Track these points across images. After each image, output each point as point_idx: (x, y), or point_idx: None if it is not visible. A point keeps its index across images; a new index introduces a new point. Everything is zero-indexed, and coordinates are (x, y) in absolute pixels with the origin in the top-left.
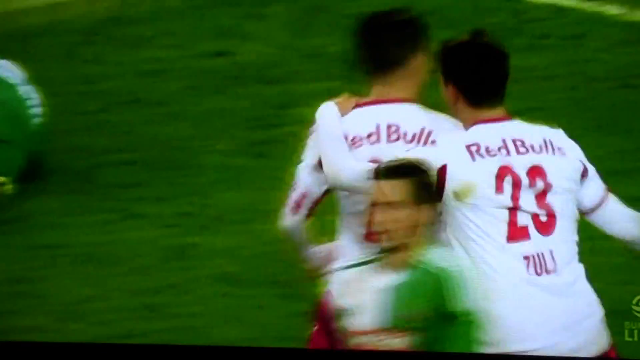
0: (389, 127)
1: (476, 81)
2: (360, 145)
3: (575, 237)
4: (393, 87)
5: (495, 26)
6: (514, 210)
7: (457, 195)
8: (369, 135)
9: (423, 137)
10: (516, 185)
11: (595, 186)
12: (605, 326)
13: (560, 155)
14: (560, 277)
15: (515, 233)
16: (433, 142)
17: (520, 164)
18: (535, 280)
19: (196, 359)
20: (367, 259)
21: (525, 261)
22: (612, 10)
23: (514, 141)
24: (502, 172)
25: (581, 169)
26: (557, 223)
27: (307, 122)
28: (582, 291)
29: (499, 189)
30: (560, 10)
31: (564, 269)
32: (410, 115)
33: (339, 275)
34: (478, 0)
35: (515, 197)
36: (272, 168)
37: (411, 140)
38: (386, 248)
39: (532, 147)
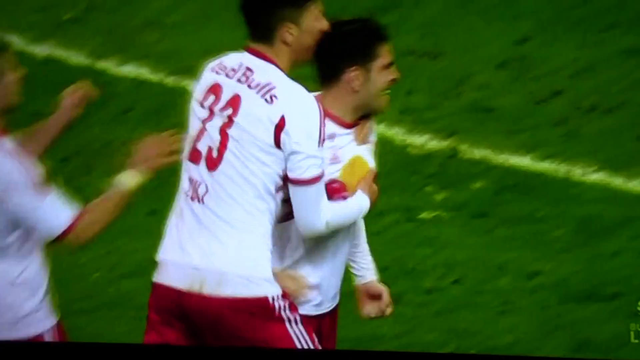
0: (247, 69)
1: (243, 14)
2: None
3: (250, 193)
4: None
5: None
6: (202, 129)
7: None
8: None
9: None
10: (213, 106)
11: (296, 163)
12: (253, 282)
13: (265, 102)
14: (206, 211)
15: (194, 153)
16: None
17: (230, 89)
18: (190, 204)
19: (197, 359)
20: None
21: (190, 183)
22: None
23: (245, 68)
24: (212, 89)
25: (274, 126)
26: (223, 160)
27: None
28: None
29: (203, 102)
30: (143, 83)
31: (214, 207)
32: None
33: None
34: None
35: (208, 117)
36: None
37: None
38: None
39: (250, 81)
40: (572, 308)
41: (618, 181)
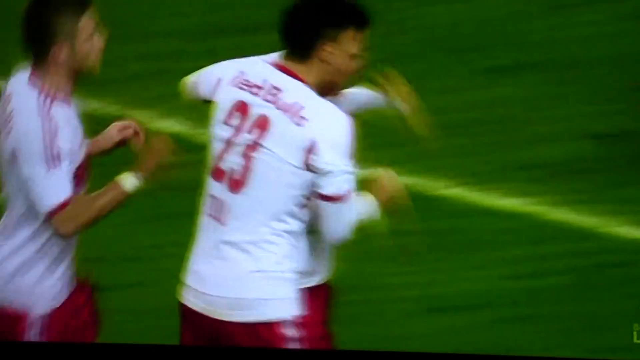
0: (273, 87)
1: (282, 30)
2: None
3: (272, 217)
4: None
5: None
6: (227, 148)
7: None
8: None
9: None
10: (240, 125)
11: (328, 180)
12: (271, 305)
13: (294, 124)
14: (225, 233)
15: (217, 172)
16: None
17: (257, 109)
18: (210, 221)
19: (199, 359)
20: None
21: (211, 200)
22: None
23: (272, 87)
24: (238, 107)
25: (305, 150)
26: (246, 185)
27: None
28: (245, 262)
29: (227, 119)
30: None
31: (234, 230)
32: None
33: None
34: None
35: (233, 136)
36: None
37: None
38: None
39: (278, 101)
40: (436, 319)
41: (477, 196)
